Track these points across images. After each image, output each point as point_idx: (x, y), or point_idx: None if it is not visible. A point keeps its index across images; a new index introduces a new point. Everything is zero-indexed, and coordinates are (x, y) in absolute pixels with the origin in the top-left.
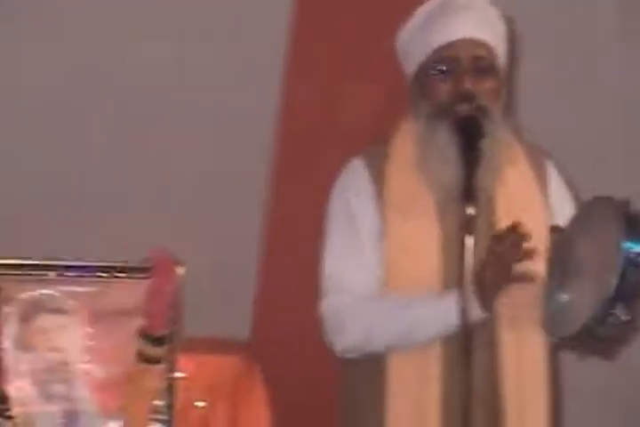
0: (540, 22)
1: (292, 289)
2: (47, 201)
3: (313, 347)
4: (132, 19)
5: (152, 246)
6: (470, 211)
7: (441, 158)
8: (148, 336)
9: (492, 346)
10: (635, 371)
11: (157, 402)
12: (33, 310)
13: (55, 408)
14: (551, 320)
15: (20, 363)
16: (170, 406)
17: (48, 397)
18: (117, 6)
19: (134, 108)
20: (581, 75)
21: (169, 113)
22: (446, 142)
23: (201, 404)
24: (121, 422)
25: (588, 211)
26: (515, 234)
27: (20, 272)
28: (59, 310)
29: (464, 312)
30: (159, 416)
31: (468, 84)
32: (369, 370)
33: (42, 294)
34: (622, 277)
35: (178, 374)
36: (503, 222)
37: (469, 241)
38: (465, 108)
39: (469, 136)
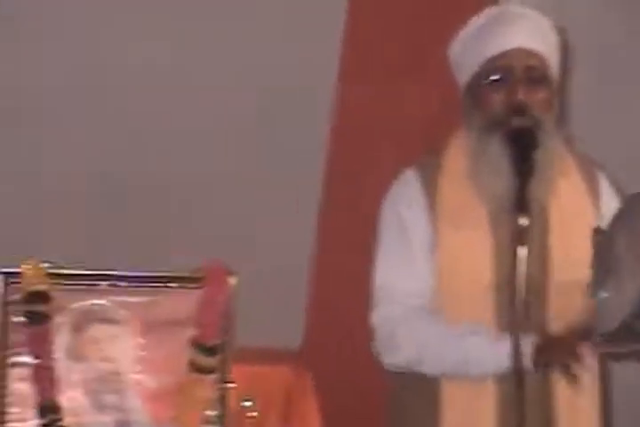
0: (591, 33)
1: (344, 298)
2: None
3: (365, 356)
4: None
5: (205, 256)
6: (523, 222)
7: (493, 170)
8: (200, 346)
9: (545, 382)
10: None
11: (209, 412)
12: (85, 321)
13: (107, 418)
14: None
15: (71, 373)
16: (222, 417)
17: (100, 407)
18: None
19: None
20: (631, 85)
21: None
22: (499, 155)
23: (248, 403)
24: None
25: (628, 207)
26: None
27: (72, 282)
28: (111, 320)
29: (518, 359)
30: (212, 426)
31: (521, 95)
32: (420, 390)
33: (94, 304)
34: None
35: (230, 384)
36: (555, 234)
37: (522, 252)
38: (518, 120)
39: (522, 147)
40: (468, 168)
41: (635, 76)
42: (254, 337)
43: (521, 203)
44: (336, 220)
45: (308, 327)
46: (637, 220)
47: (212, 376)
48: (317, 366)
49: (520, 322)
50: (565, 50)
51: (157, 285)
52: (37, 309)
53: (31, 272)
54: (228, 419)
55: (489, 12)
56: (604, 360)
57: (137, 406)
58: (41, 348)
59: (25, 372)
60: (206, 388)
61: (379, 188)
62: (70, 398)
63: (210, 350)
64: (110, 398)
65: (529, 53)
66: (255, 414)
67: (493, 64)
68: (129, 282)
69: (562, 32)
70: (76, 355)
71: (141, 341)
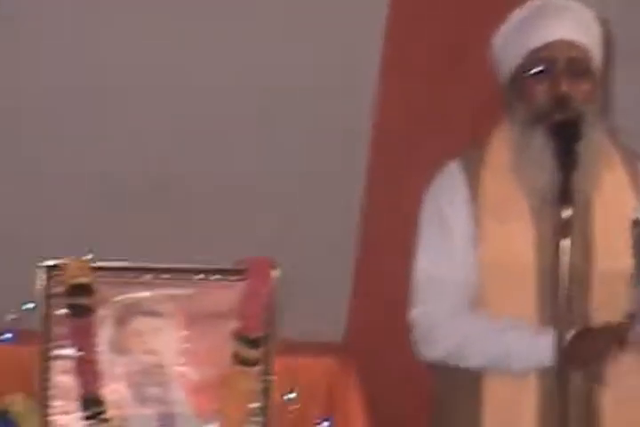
0: (634, 24)
1: (387, 291)
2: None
3: (408, 349)
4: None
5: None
6: (566, 214)
7: (536, 164)
8: (243, 338)
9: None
10: None
11: (253, 404)
12: (128, 313)
13: (150, 411)
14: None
15: (115, 366)
16: (265, 409)
17: (143, 400)
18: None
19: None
20: None
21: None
22: (542, 148)
23: (292, 395)
24: (217, 425)
25: None
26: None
27: (115, 275)
28: (154, 313)
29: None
30: (255, 419)
31: (564, 87)
32: (463, 384)
33: (137, 297)
34: None
35: (273, 377)
36: (598, 225)
37: (565, 244)
38: (561, 113)
39: (566, 140)
40: (511, 161)
41: None
42: (297, 330)
43: (564, 195)
44: (379, 213)
45: (351, 320)
46: None
47: (256, 369)
48: (360, 359)
49: (563, 314)
50: (608, 41)
51: (201, 277)
52: (80, 301)
53: (74, 265)
54: (271, 411)
55: (531, 5)
56: None
57: (180, 398)
58: (84, 341)
59: (68, 365)
60: (250, 380)
61: (422, 182)
62: (113, 390)
63: (253, 343)
64: (153, 391)
65: (571, 45)
66: (298, 406)
67: (536, 56)
68: (172, 274)
69: (604, 23)
70: (119, 348)
71: (185, 333)
